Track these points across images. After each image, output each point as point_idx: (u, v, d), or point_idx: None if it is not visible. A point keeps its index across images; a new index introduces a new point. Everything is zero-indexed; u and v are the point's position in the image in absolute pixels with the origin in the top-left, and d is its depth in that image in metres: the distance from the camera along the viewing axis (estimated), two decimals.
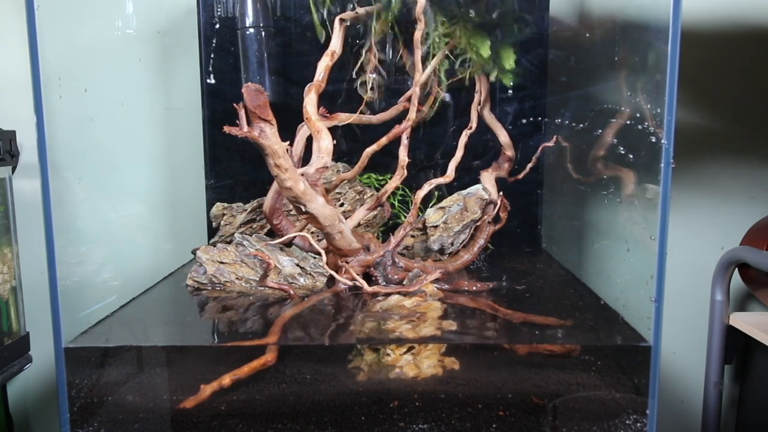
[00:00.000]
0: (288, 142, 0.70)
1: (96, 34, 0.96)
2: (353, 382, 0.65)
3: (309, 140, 0.78)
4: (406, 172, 0.81)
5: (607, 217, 0.87)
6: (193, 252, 0.86)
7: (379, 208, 0.84)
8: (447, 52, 0.85)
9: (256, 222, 0.95)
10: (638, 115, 0.72)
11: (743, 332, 0.97)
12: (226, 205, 0.98)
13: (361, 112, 0.83)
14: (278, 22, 0.97)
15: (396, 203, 1.02)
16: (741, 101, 1.10)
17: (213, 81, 0.99)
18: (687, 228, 1.13)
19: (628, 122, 0.77)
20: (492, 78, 0.87)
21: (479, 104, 0.92)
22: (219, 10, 0.98)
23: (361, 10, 0.85)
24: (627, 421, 0.63)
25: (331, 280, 0.81)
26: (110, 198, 1.01)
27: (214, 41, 0.99)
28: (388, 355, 0.65)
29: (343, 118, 0.79)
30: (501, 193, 0.90)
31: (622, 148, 0.79)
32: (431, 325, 0.67)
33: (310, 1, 0.90)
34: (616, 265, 0.77)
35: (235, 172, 1.02)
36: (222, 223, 0.96)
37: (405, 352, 0.66)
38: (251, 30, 0.94)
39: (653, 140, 0.63)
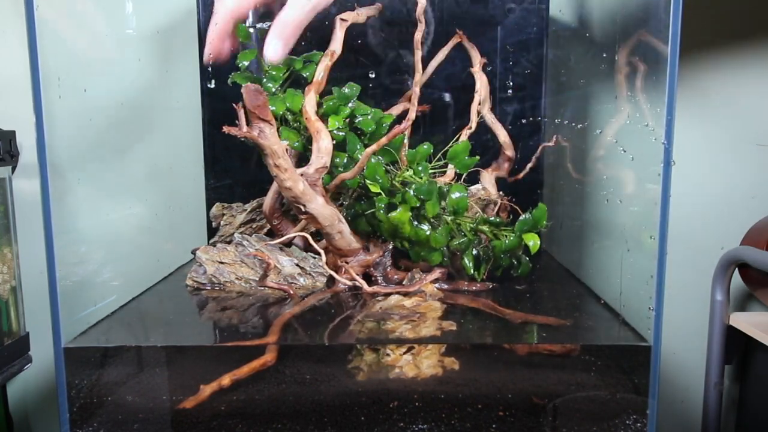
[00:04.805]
0: (287, 143, 0.70)
1: (96, 34, 0.96)
2: (353, 382, 0.65)
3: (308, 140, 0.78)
4: None
5: (607, 217, 0.87)
6: (193, 252, 0.86)
7: None
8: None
9: (255, 222, 0.95)
10: (638, 114, 0.72)
11: (743, 332, 0.97)
12: (225, 205, 0.98)
13: None
14: None
15: None
16: (741, 100, 1.10)
17: (212, 81, 0.99)
18: (687, 228, 1.13)
19: (628, 122, 0.77)
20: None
21: (479, 104, 0.91)
22: None
23: (361, 11, 0.85)
24: (627, 422, 0.63)
25: (330, 280, 0.81)
26: (110, 198, 1.00)
27: None
28: (387, 355, 0.65)
29: None
30: (501, 192, 0.90)
31: (622, 148, 0.79)
32: (431, 325, 0.67)
33: None
34: (616, 265, 0.77)
35: (234, 172, 1.02)
36: (222, 223, 0.96)
37: (405, 352, 0.66)
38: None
39: (653, 140, 0.63)
